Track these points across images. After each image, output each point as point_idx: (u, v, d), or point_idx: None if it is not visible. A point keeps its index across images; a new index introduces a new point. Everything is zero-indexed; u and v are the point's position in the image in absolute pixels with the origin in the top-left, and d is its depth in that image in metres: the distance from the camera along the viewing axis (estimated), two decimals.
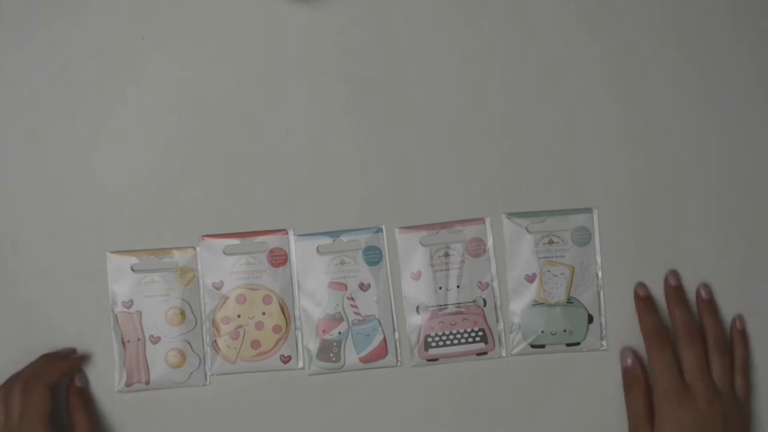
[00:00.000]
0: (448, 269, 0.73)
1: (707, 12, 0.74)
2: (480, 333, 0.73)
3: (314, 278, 0.74)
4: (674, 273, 0.73)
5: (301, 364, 0.74)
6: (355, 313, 0.73)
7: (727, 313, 0.73)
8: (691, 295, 0.73)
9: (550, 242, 0.73)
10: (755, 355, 0.73)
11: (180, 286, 0.73)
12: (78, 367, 0.73)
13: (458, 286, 0.73)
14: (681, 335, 0.70)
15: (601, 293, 0.74)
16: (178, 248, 0.74)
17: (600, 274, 0.73)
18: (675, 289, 0.72)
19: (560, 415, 0.73)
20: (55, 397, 0.70)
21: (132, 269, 0.73)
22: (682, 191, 0.74)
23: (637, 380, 0.71)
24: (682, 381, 0.69)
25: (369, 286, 0.73)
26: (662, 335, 0.71)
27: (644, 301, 0.72)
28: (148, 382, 0.73)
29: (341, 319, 0.73)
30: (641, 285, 0.73)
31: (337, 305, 0.73)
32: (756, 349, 0.73)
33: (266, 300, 0.73)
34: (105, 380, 0.73)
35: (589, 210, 0.74)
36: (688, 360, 0.69)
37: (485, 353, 0.73)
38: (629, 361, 0.72)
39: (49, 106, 0.74)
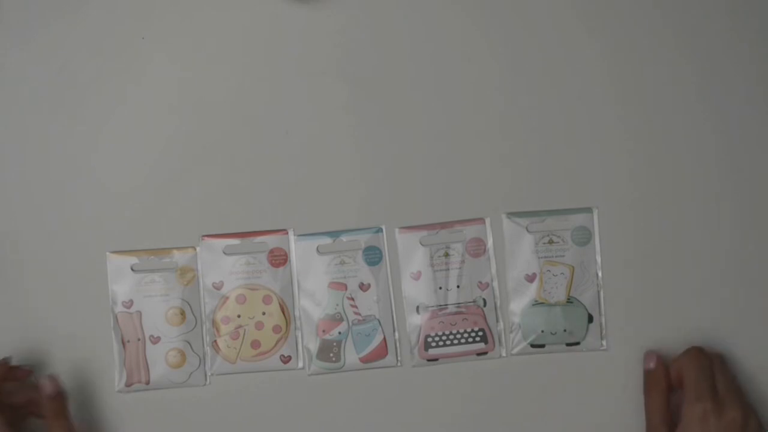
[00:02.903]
0: (448, 269, 0.73)
1: (707, 12, 0.74)
2: (480, 333, 0.73)
3: (314, 278, 0.74)
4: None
5: (301, 364, 0.74)
6: (355, 313, 0.73)
7: (727, 313, 0.73)
8: (691, 295, 0.73)
9: (550, 242, 0.73)
10: (756, 356, 0.73)
11: (180, 286, 0.73)
12: (12, 375, 0.69)
13: (458, 286, 0.73)
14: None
15: (601, 293, 0.73)
16: (178, 248, 0.74)
17: (600, 274, 0.73)
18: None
19: (560, 415, 0.73)
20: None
21: (132, 269, 0.73)
22: (682, 191, 0.74)
23: (658, 382, 0.71)
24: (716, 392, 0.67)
25: (369, 286, 0.73)
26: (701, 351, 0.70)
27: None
28: (148, 382, 0.73)
29: (341, 319, 0.73)
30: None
31: (337, 305, 0.73)
32: (756, 350, 0.73)
33: (266, 300, 0.73)
34: (105, 380, 0.73)
35: (589, 210, 0.74)
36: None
37: (485, 353, 0.73)
38: (652, 364, 0.71)
39: (49, 106, 0.74)
